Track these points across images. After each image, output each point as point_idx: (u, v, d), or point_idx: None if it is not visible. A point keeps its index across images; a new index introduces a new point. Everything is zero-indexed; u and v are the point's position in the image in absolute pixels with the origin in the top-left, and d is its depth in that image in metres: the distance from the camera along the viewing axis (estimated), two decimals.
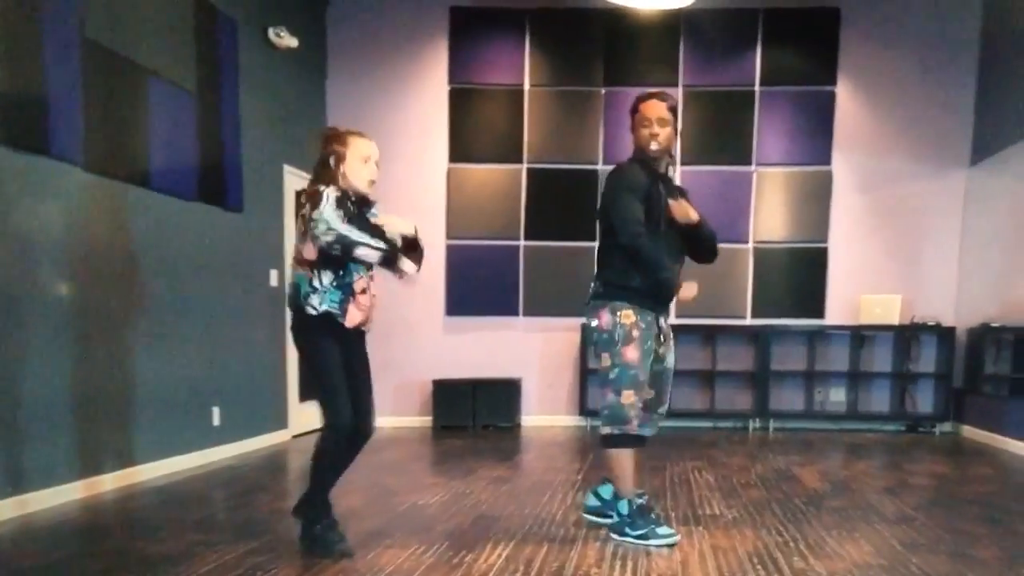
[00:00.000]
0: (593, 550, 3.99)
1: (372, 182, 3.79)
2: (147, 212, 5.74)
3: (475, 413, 8.47)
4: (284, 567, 3.69)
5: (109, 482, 5.38)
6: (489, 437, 7.98)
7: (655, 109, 3.99)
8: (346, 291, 3.71)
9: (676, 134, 4.10)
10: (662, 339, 4.17)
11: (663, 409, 4.25)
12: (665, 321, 4.22)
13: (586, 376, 8.64)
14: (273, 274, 7.46)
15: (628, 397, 4.00)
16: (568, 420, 8.87)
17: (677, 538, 4.09)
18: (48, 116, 4.79)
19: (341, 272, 3.69)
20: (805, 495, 5.35)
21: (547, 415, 8.89)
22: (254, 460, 6.63)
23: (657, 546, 4.02)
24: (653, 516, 4.19)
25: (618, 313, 4.01)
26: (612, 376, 4.02)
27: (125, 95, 5.47)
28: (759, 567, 3.74)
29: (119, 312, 5.51)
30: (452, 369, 8.66)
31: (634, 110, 4.06)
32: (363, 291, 3.75)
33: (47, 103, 4.78)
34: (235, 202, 6.76)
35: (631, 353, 3.99)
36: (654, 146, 3.98)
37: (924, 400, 8.69)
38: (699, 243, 4.22)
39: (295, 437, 7.85)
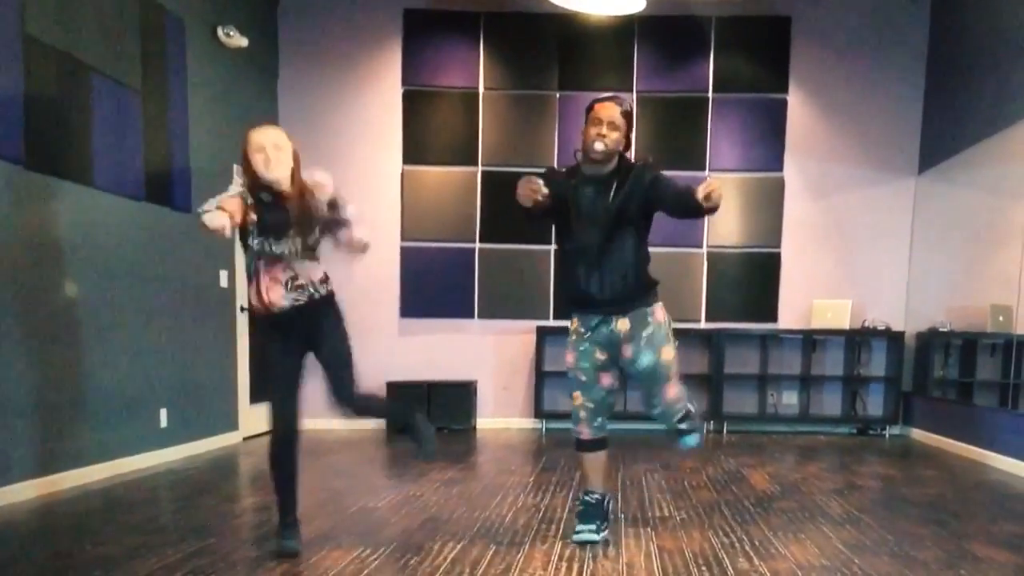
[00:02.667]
0: (540, 552, 3.98)
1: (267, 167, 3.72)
2: (92, 211, 5.63)
3: (430, 415, 8.24)
4: (227, 570, 3.65)
5: (51, 485, 5.27)
6: (443, 439, 7.89)
7: (608, 111, 3.92)
8: (251, 277, 3.79)
9: (628, 141, 4.01)
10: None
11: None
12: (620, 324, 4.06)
13: (541, 379, 8.64)
14: (223, 275, 7.36)
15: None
16: (523, 422, 8.85)
17: (589, 537, 4.16)
18: None
19: (249, 261, 3.79)
20: (754, 497, 5.39)
21: (502, 417, 8.87)
22: (202, 462, 6.53)
23: (572, 540, 4.18)
24: (586, 515, 4.25)
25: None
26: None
27: (68, 92, 5.36)
28: (703, 568, 3.75)
29: (63, 312, 5.41)
30: (406, 371, 8.60)
31: (588, 109, 3.99)
32: (255, 274, 3.76)
33: None
34: (183, 202, 6.64)
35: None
36: (599, 146, 3.88)
37: (874, 403, 8.80)
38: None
39: (246, 439, 7.75)
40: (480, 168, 8.69)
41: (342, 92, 8.63)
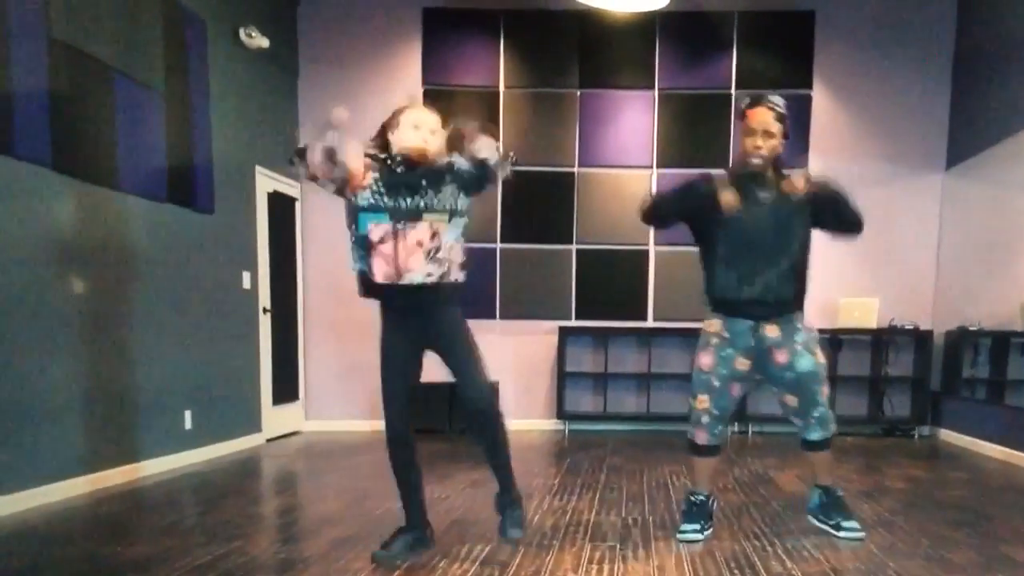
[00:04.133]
0: (570, 555, 3.93)
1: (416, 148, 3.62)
2: (116, 213, 5.64)
3: (451, 417, 8.37)
4: (256, 572, 3.63)
5: (77, 487, 5.28)
6: (466, 441, 7.88)
7: (760, 117, 3.90)
8: (364, 245, 3.61)
9: (784, 140, 3.98)
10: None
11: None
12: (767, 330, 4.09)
13: (563, 379, 8.59)
14: (246, 276, 7.36)
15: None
16: (545, 424, 8.80)
17: (693, 536, 4.19)
18: (14, 116, 4.69)
19: (354, 226, 3.63)
20: (783, 499, 5.31)
21: (524, 419, 8.81)
22: (227, 464, 6.52)
23: (676, 538, 4.23)
24: (691, 513, 4.32)
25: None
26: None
27: (93, 95, 5.37)
28: (736, 571, 3.70)
29: (87, 315, 5.40)
30: (428, 372, 8.29)
31: (741, 115, 3.98)
32: (382, 240, 3.56)
33: (13, 103, 4.69)
34: (206, 203, 6.65)
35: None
36: (756, 160, 3.91)
37: (901, 404, 8.69)
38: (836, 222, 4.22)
39: (269, 441, 7.74)
40: None
41: (362, 91, 8.58)
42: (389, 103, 8.36)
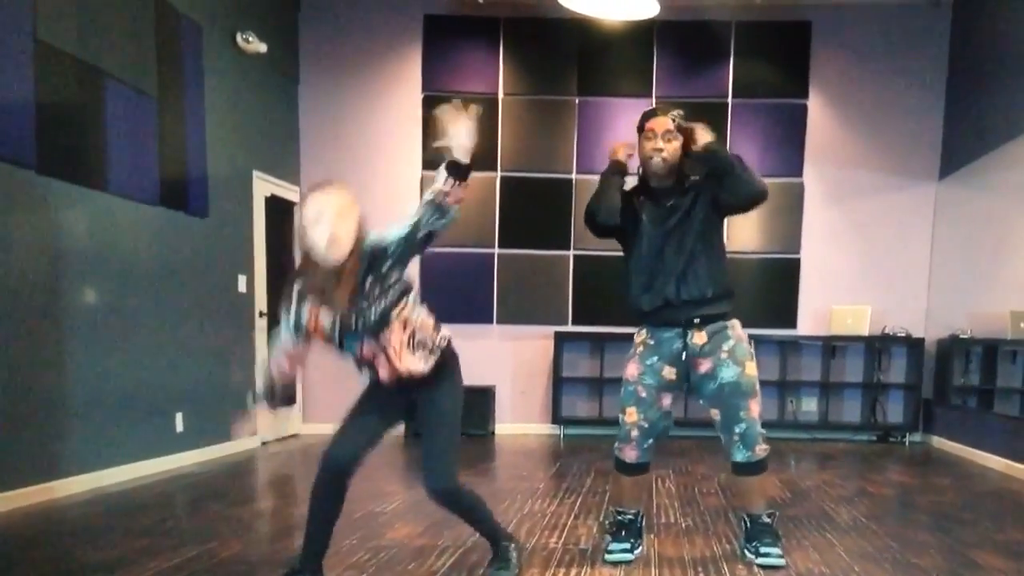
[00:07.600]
0: (539, 559, 3.99)
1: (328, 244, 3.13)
2: (105, 216, 5.72)
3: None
4: (222, 574, 3.69)
5: (63, 488, 5.35)
6: (460, 445, 7.93)
7: (660, 123, 3.79)
8: (358, 362, 3.34)
9: (686, 150, 3.81)
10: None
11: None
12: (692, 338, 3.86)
13: (559, 384, 8.65)
14: (241, 279, 7.45)
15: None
16: (541, 428, 8.86)
17: (622, 556, 3.96)
18: None
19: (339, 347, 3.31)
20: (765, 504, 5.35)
21: (521, 423, 8.88)
22: (218, 467, 6.61)
23: (604, 560, 3.97)
24: (620, 533, 4.04)
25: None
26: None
27: (81, 98, 5.47)
28: (701, 575, 3.75)
29: (77, 316, 5.50)
30: None
31: (640, 127, 3.85)
32: (375, 355, 3.25)
33: None
34: (199, 207, 6.75)
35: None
36: (657, 159, 3.78)
37: (894, 410, 8.71)
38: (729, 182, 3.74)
39: (264, 444, 7.82)
40: (499, 174, 8.71)
41: (363, 98, 8.70)
42: (389, 109, 8.59)
